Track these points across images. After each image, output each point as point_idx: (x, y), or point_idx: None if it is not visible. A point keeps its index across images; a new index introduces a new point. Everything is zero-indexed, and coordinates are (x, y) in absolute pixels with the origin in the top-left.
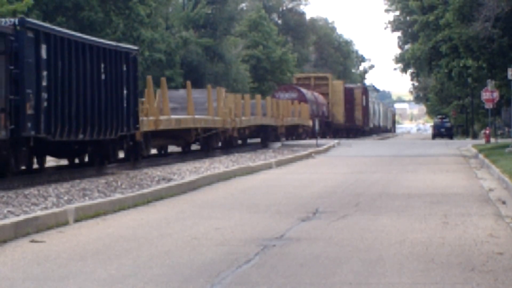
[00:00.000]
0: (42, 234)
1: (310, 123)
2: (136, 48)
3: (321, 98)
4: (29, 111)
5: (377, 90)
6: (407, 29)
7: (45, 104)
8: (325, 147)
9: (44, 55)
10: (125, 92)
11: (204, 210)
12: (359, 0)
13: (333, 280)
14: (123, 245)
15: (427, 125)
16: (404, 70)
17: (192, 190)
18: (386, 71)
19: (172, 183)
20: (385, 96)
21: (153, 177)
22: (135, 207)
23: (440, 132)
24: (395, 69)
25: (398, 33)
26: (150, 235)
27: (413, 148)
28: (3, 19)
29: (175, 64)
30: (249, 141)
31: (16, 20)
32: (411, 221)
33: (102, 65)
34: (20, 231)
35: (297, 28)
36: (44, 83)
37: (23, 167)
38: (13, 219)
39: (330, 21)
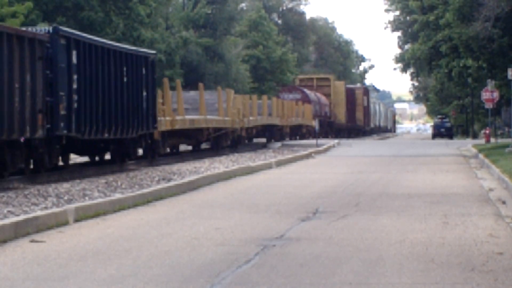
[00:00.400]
0: (42, 234)
1: (313, 123)
2: (154, 52)
3: (323, 99)
4: (62, 112)
5: (377, 90)
6: (407, 29)
7: (75, 105)
8: (325, 147)
9: (74, 60)
10: (144, 93)
11: (204, 210)
12: (359, 0)
13: (333, 280)
14: (123, 245)
15: (427, 125)
16: (404, 70)
17: (192, 190)
18: (386, 71)
19: (172, 183)
20: (385, 96)
21: (153, 177)
22: (135, 207)
23: (440, 132)
24: (395, 69)
25: (398, 33)
26: (150, 235)
27: (413, 148)
28: (39, 28)
29: (175, 64)
30: (255, 140)
31: (51, 28)
32: (411, 221)
33: (124, 69)
34: (20, 231)
35: (297, 28)
36: (74, 86)
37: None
38: (13, 219)
39: (330, 21)
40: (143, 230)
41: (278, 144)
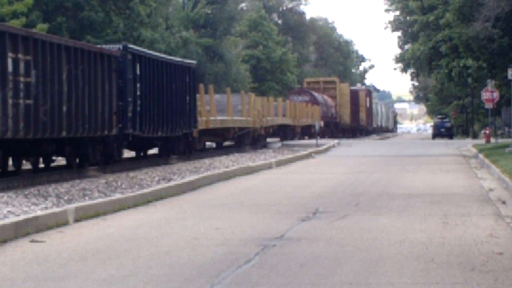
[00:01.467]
0: (42, 234)
1: (322, 123)
2: (194, 62)
3: (329, 101)
4: (129, 114)
5: (377, 90)
6: (407, 29)
7: (138, 108)
8: (325, 147)
9: (138, 71)
10: (187, 97)
11: (204, 210)
12: (359, 0)
13: (333, 280)
14: (123, 245)
15: (427, 125)
16: (404, 70)
17: (192, 190)
18: (386, 71)
19: (172, 183)
20: (385, 96)
21: (153, 177)
22: (135, 207)
23: (440, 132)
24: (395, 69)
25: (398, 33)
26: (150, 235)
27: (413, 148)
28: (111, 45)
29: None
30: (269, 139)
31: (121, 46)
32: (411, 221)
33: (173, 78)
34: (20, 231)
35: (297, 28)
36: (138, 93)
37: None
38: (13, 219)
39: (330, 21)
40: (143, 230)
41: (278, 144)
